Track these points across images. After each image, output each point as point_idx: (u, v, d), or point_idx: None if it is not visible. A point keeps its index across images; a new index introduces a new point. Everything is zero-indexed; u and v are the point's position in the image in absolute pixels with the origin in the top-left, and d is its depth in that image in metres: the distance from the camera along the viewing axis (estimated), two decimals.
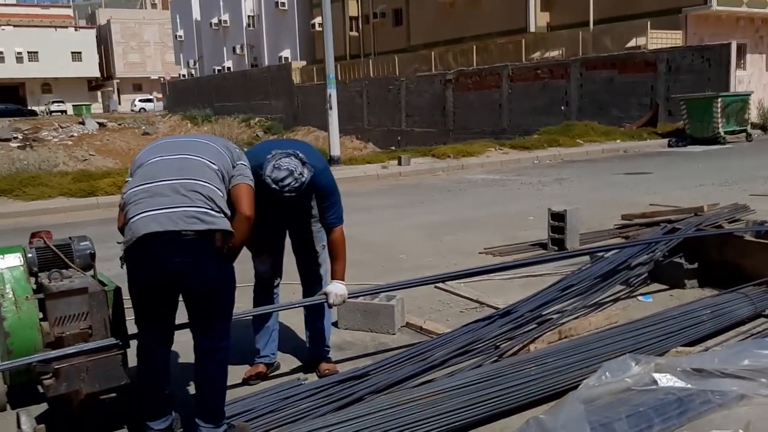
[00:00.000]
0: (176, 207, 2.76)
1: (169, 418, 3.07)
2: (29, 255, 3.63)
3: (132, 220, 2.77)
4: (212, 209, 2.82)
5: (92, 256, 3.69)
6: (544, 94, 24.04)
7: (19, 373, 3.38)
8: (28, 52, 61.10)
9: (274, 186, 3.36)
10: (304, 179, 3.39)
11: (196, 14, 52.26)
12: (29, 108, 55.01)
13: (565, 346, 3.82)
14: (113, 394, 3.28)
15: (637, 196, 9.28)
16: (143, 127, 44.04)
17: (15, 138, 39.50)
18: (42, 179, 11.78)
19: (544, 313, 4.43)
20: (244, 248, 3.76)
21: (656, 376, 3.44)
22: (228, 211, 2.93)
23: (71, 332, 3.29)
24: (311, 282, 3.94)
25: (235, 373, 3.96)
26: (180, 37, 55.99)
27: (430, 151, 16.03)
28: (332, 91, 14.50)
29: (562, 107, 23.27)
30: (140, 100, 56.83)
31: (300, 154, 3.43)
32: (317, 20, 39.37)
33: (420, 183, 12.67)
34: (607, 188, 10.44)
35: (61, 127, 42.86)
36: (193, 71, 54.06)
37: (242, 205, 3.00)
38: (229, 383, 3.80)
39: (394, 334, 4.55)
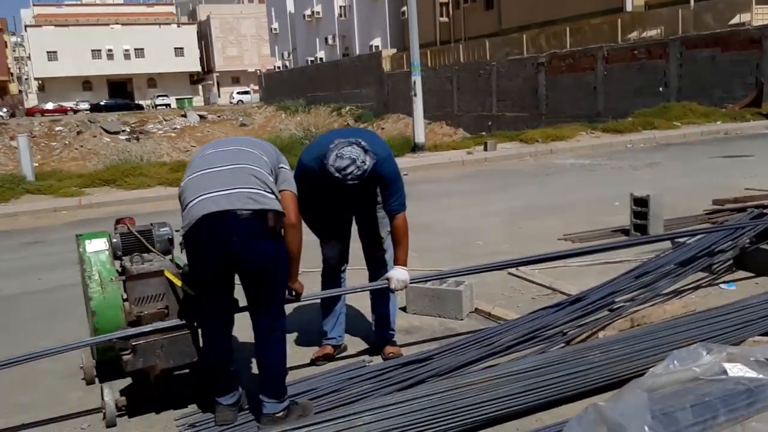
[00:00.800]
0: (232, 189, 2.92)
1: (236, 393, 3.24)
2: (114, 240, 3.88)
3: (190, 204, 2.94)
4: (265, 190, 2.96)
5: (170, 240, 3.91)
6: (642, 76, 23.06)
7: (105, 349, 3.64)
8: (135, 49, 64.47)
9: (337, 174, 3.44)
10: (366, 167, 3.45)
11: (290, 7, 53.40)
12: (136, 102, 58.07)
13: (633, 334, 3.73)
14: (186, 370, 3.52)
15: (734, 180, 8.81)
16: (240, 119, 45.58)
17: (123, 131, 41.86)
18: (143, 169, 12.49)
19: (617, 300, 4.33)
20: (312, 234, 3.91)
21: (726, 365, 3.31)
22: (279, 196, 3.06)
23: (149, 312, 3.52)
24: (376, 267, 4.01)
25: (305, 353, 4.13)
26: (275, 29, 57.44)
27: (517, 135, 15.78)
28: (417, 78, 14.52)
29: (661, 89, 22.26)
30: (238, 93, 58.78)
31: (362, 143, 3.49)
32: (407, 8, 39.48)
33: (505, 169, 12.51)
34: (702, 172, 9.96)
35: (165, 120, 45.01)
36: (287, 63, 55.37)
37: (288, 213, 3.10)
38: (297, 363, 3.99)
39: (461, 319, 4.57)
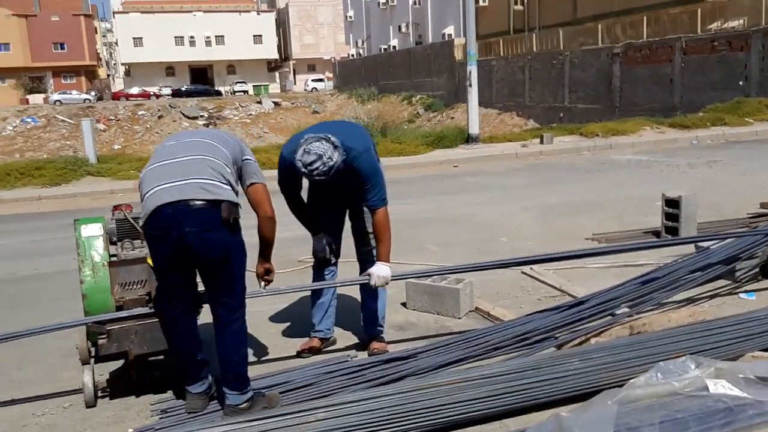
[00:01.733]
0: (185, 179, 2.95)
1: (205, 382, 3.29)
2: (110, 226, 4.01)
3: (146, 195, 2.99)
4: (219, 181, 2.99)
5: None
6: (721, 69, 21.92)
7: (93, 332, 3.76)
8: (216, 36, 66.19)
9: (303, 170, 3.45)
10: (333, 163, 3.42)
11: None
12: (215, 89, 59.68)
13: (622, 342, 3.57)
14: (161, 357, 3.59)
15: None
16: (313, 106, 46.19)
17: (201, 116, 43.14)
18: None
19: (619, 306, 4.16)
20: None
21: (709, 381, 3.13)
22: (237, 187, 3.10)
23: (130, 297, 3.61)
24: (364, 262, 3.98)
25: (293, 345, 4.15)
26: (350, 17, 57.75)
27: (578, 129, 15.32)
28: (473, 68, 14.29)
29: (741, 82, 21.11)
30: (313, 80, 59.50)
31: (332, 138, 3.46)
32: None
33: (558, 163, 12.18)
34: (763, 172, 9.40)
35: (241, 107, 46.10)
36: (361, 51, 55.62)
37: (263, 207, 3.20)
38: (284, 355, 4.01)
39: (459, 318, 4.49)
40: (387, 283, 3.74)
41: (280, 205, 3.65)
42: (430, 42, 43.61)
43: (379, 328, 4.05)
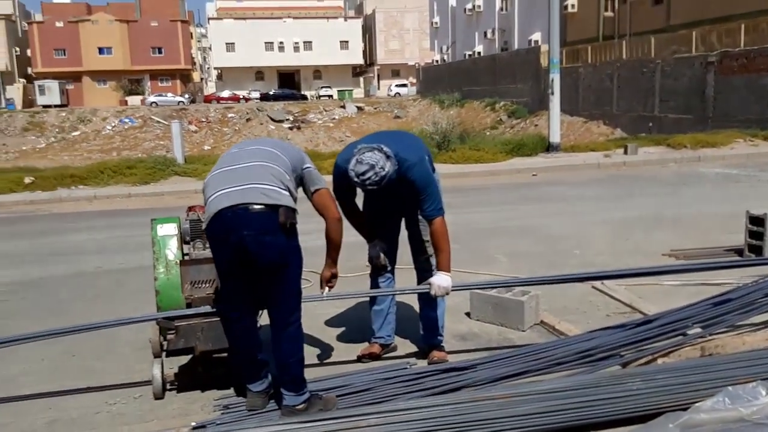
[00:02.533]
0: (246, 184, 3.05)
1: (265, 381, 3.38)
2: (184, 226, 4.18)
3: (209, 200, 3.10)
4: (278, 187, 3.08)
5: None
6: None
7: (166, 328, 3.93)
8: (304, 42, 67.69)
9: (356, 179, 3.48)
10: (384, 173, 3.44)
11: (452, 1, 53.45)
12: (302, 93, 60.95)
13: (689, 364, 3.44)
14: (225, 354, 3.71)
15: None
16: (395, 111, 46.48)
17: (287, 119, 44.19)
18: None
19: (693, 325, 3.99)
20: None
21: None
22: (296, 194, 3.19)
23: (198, 295, 3.76)
24: (422, 271, 3.99)
25: (354, 349, 4.20)
26: (436, 23, 57.79)
27: (665, 140, 14.79)
28: (555, 76, 14.04)
29: None
30: (396, 85, 59.90)
31: (384, 148, 3.48)
32: (570, 1, 38.10)
33: (642, 174, 11.78)
34: None
35: (325, 111, 46.92)
36: (445, 57, 55.55)
37: (330, 209, 3.35)
38: (343, 359, 4.07)
39: (523, 331, 4.43)
40: (447, 294, 3.74)
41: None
42: (515, 48, 43.08)
43: (439, 337, 4.05)
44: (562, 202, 9.32)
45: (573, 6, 38.18)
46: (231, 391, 3.69)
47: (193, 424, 3.30)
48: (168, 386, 3.75)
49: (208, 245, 4.09)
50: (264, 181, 3.08)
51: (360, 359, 4.04)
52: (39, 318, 5.08)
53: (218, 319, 3.53)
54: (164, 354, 3.93)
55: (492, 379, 3.60)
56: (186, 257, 3.94)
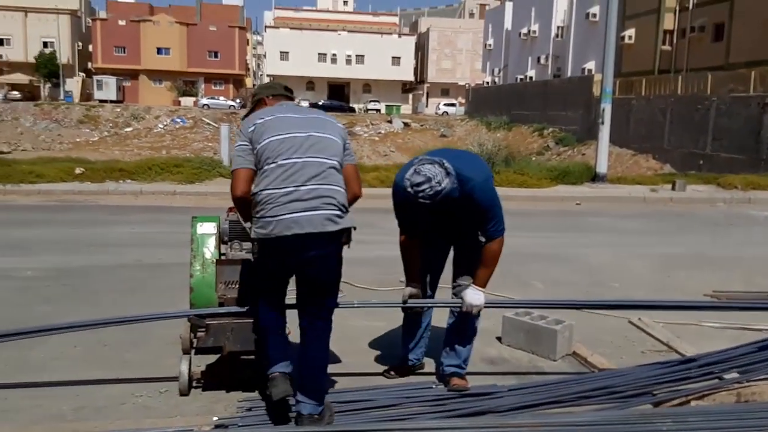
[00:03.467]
0: (314, 211, 3.06)
1: (290, 364, 3.33)
2: (224, 226, 4.23)
3: (274, 218, 3.06)
4: (342, 211, 3.13)
5: None
6: None
7: (197, 325, 3.96)
8: (356, 55, 68.33)
9: (409, 189, 3.35)
10: (441, 188, 3.31)
11: (508, 24, 53.40)
12: (350, 105, 61.40)
13: (725, 409, 3.33)
14: (252, 357, 3.73)
15: None
16: (441, 130, 46.46)
17: None
18: None
19: (731, 369, 3.87)
20: None
21: None
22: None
23: (231, 296, 3.79)
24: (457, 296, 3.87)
25: (382, 363, 4.17)
26: (489, 45, 57.78)
27: (715, 179, 14.45)
28: (606, 106, 13.86)
29: None
30: (445, 104, 59.93)
31: (446, 164, 3.37)
32: (628, 32, 37.72)
33: (688, 212, 11.52)
34: None
35: (372, 124, 47.18)
36: (496, 79, 55.44)
37: (354, 185, 3.31)
38: (370, 371, 4.05)
39: (554, 360, 4.34)
40: (479, 311, 3.67)
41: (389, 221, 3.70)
42: (568, 76, 42.76)
43: (462, 367, 3.86)
44: (604, 233, 9.17)
45: (630, 37, 37.81)
46: (255, 393, 3.70)
47: (215, 418, 3.32)
48: (194, 383, 3.78)
49: (244, 246, 4.16)
50: (332, 202, 3.11)
51: (385, 373, 4.01)
52: (77, 305, 5.18)
53: (248, 320, 3.55)
54: (193, 351, 3.97)
55: (519, 407, 3.54)
56: (222, 257, 3.98)
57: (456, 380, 3.78)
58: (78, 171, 12.63)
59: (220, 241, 4.18)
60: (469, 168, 3.54)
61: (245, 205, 3.23)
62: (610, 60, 14.12)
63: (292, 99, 3.65)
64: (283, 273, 3.24)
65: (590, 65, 41.16)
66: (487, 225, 3.63)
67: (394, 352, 4.22)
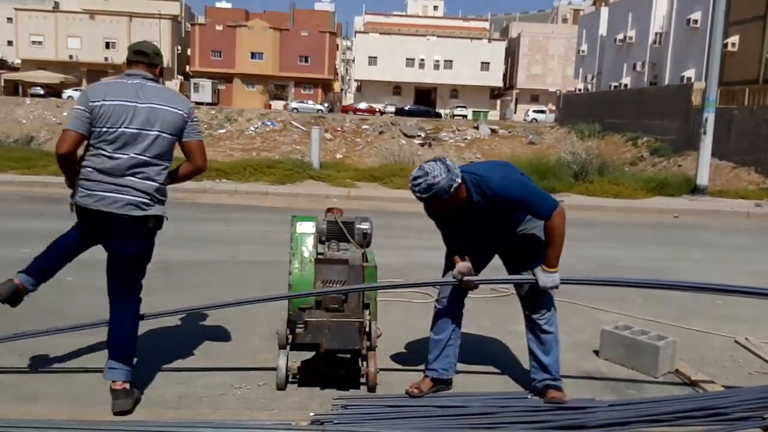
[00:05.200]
0: (121, 193, 3.40)
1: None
2: (322, 226, 4.30)
3: (86, 187, 3.44)
4: (151, 199, 3.47)
5: (365, 235, 4.21)
6: None
7: (294, 322, 4.03)
8: (444, 61, 68.22)
9: (410, 184, 3.38)
10: (434, 182, 3.26)
11: (603, 30, 51.99)
12: (436, 110, 61.33)
13: None
14: (348, 356, 3.76)
15: None
16: (530, 137, 45.65)
17: (418, 136, 44.59)
18: (408, 170, 13.33)
19: None
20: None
21: None
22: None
23: (330, 295, 3.84)
24: (530, 295, 3.69)
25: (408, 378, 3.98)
26: (583, 51, 56.42)
27: None
28: (709, 115, 13.25)
29: None
30: (533, 111, 58.86)
31: (447, 162, 3.35)
32: (731, 39, 35.97)
33: None
34: None
35: (458, 130, 46.90)
36: (589, 86, 54.06)
37: (197, 158, 3.62)
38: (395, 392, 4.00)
39: (656, 377, 4.17)
40: (557, 288, 3.51)
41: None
42: (665, 83, 41.24)
43: (556, 377, 3.73)
44: (704, 248, 8.77)
45: (734, 45, 36.04)
46: (349, 392, 3.73)
47: (312, 414, 3.37)
48: (290, 379, 3.85)
49: (342, 247, 4.21)
50: (140, 192, 3.48)
51: (408, 393, 3.68)
52: (179, 297, 5.37)
53: (346, 320, 3.59)
54: (289, 347, 4.05)
55: (618, 422, 3.43)
56: (319, 256, 4.05)
57: (553, 392, 3.66)
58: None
59: (318, 241, 4.27)
60: (487, 170, 3.54)
61: None
62: (715, 68, 13.49)
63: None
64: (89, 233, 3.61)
65: (689, 73, 39.55)
66: (533, 209, 3.46)
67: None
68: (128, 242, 3.47)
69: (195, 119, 3.60)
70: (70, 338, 4.19)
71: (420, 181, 3.31)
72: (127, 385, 3.42)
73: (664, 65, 42.75)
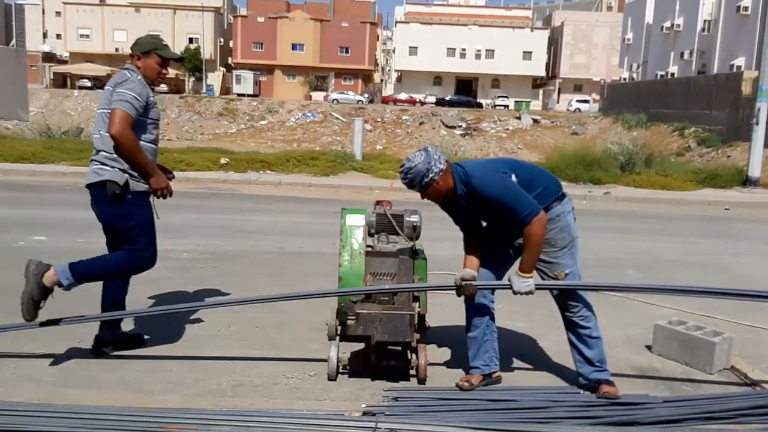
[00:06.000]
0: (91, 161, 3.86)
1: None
2: (370, 218, 4.31)
3: None
4: (104, 164, 3.77)
5: (415, 227, 4.20)
6: None
7: (344, 313, 4.06)
8: (486, 50, 67.55)
9: None
10: (413, 166, 3.44)
11: (649, 17, 50.85)
12: (477, 100, 60.84)
13: None
14: (399, 348, 3.78)
15: None
16: (573, 127, 44.99)
17: (459, 126, 44.34)
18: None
19: None
20: None
21: None
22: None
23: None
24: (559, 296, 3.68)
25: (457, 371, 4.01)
26: (628, 40, 55.28)
27: None
28: (762, 105, 12.87)
29: None
30: (577, 101, 57.89)
31: (430, 149, 3.53)
32: None
33: None
34: None
35: (500, 120, 46.48)
36: (634, 75, 52.98)
37: (109, 126, 3.65)
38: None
39: (711, 374, 4.09)
40: (531, 293, 3.51)
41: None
42: (714, 72, 40.17)
43: (603, 370, 3.67)
44: (758, 242, 8.54)
45: None
46: (400, 384, 3.75)
47: (364, 406, 3.39)
48: (340, 369, 3.88)
49: (391, 239, 4.23)
50: (97, 159, 3.87)
51: (459, 386, 3.73)
52: (228, 287, 5.46)
53: (397, 312, 3.61)
54: (338, 338, 4.08)
55: (673, 419, 3.37)
56: (368, 248, 4.07)
57: (606, 387, 3.60)
58: (223, 161, 13.37)
59: (367, 233, 4.28)
60: (475, 168, 3.56)
61: None
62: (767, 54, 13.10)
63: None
64: None
65: (739, 61, 38.44)
66: (513, 213, 3.42)
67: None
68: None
69: (120, 91, 3.71)
70: (126, 326, 4.29)
71: (402, 168, 3.53)
72: (55, 279, 3.71)
73: (713, 53, 41.64)
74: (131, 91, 3.69)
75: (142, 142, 3.76)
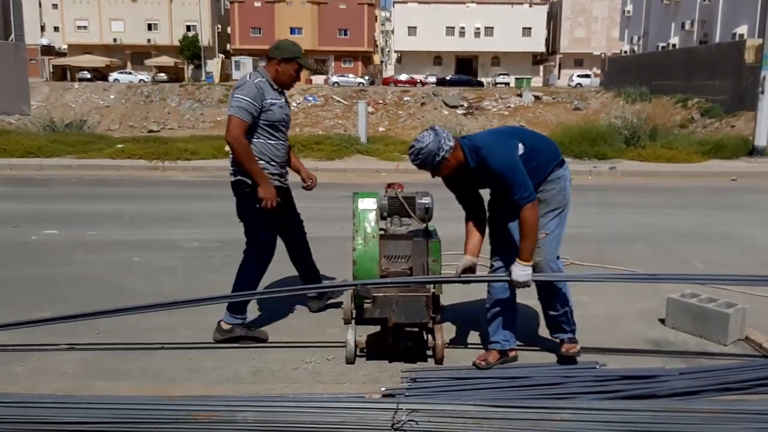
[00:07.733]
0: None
1: None
2: (382, 202, 4.33)
3: None
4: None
5: (427, 209, 4.22)
6: None
7: (360, 296, 4.10)
8: (485, 28, 67.05)
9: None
10: (424, 146, 3.43)
11: None
12: (478, 79, 60.54)
13: None
14: (416, 330, 3.81)
15: None
16: (575, 102, 44.77)
17: (461, 105, 44.17)
18: None
19: None
20: None
21: None
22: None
23: (394, 270, 3.89)
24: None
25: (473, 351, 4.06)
26: (628, 12, 54.80)
27: None
28: (767, 73, 12.78)
29: None
30: (578, 76, 57.55)
31: (437, 128, 3.53)
32: None
33: None
34: None
35: (501, 98, 46.28)
36: (635, 47, 52.59)
37: (226, 132, 3.90)
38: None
39: (725, 345, 4.12)
40: (528, 286, 3.54)
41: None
42: (716, 42, 39.86)
43: (568, 331, 3.87)
44: (766, 212, 8.53)
45: None
46: (417, 365, 3.79)
47: (383, 388, 3.43)
48: (358, 352, 3.92)
49: (404, 222, 4.25)
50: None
51: (475, 365, 3.76)
52: None
53: (413, 294, 3.64)
54: (354, 321, 4.12)
55: (689, 391, 3.40)
56: (381, 232, 4.09)
57: (566, 345, 3.83)
58: (227, 148, 13.35)
59: (380, 216, 4.31)
60: (483, 138, 3.60)
61: None
62: None
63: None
64: None
65: (741, 30, 38.11)
66: (511, 190, 3.44)
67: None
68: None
69: (236, 97, 3.88)
70: (145, 317, 4.34)
71: (412, 149, 3.50)
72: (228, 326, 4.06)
73: (715, 23, 41.30)
74: (246, 97, 3.83)
75: (269, 142, 4.02)
